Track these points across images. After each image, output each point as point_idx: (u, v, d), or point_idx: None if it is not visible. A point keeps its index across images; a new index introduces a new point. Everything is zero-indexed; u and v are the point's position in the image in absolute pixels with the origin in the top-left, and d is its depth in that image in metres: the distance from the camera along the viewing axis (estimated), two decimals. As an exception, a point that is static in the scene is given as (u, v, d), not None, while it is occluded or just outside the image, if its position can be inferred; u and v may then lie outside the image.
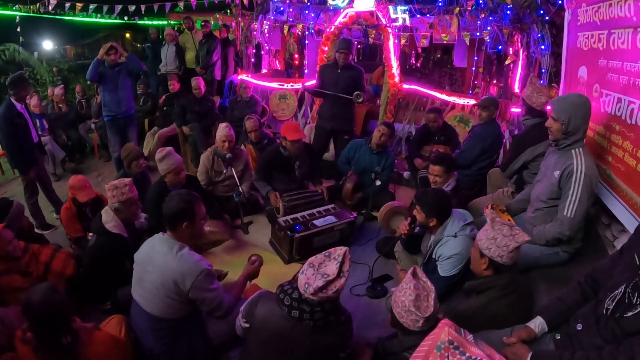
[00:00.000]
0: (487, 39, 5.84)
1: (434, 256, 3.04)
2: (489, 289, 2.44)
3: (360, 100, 5.05)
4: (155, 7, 9.94)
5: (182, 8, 9.58)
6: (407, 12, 6.13)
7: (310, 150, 4.94)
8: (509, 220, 3.33)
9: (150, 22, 12.70)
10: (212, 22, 9.03)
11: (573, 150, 2.89)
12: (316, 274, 1.91)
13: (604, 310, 1.90)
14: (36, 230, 4.59)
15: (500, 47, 6.08)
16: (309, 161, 4.78)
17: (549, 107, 3.51)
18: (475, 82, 7.78)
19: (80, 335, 2.15)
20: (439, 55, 10.50)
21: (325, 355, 2.05)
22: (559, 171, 2.91)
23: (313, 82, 5.93)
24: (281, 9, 7.28)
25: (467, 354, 1.25)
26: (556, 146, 3.02)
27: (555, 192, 2.97)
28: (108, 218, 3.18)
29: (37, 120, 6.52)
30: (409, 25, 6.20)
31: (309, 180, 4.93)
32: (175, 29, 10.65)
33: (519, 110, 5.29)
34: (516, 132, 5.61)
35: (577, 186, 2.81)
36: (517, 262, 3.00)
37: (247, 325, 2.17)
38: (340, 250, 1.99)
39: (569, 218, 2.84)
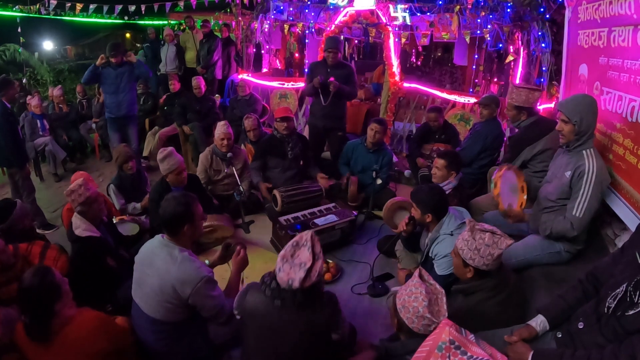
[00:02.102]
0: (487, 37, 5.83)
1: (430, 254, 3.05)
2: (477, 291, 2.43)
3: (331, 88, 4.99)
4: (156, 6, 9.94)
5: (182, 8, 9.57)
6: (408, 11, 6.13)
7: (304, 139, 5.05)
8: (522, 187, 3.31)
9: (150, 22, 12.69)
10: (212, 22, 9.02)
11: (584, 151, 2.87)
12: (293, 266, 1.95)
13: (606, 309, 1.90)
14: (38, 230, 4.61)
15: (500, 45, 6.07)
16: (301, 145, 4.87)
17: (549, 107, 3.50)
18: (476, 81, 7.77)
19: (61, 316, 2.12)
20: (439, 54, 10.49)
21: (317, 335, 2.06)
22: (570, 171, 2.89)
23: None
24: (281, 8, 7.28)
25: (469, 354, 1.24)
26: (567, 147, 2.99)
27: (566, 192, 2.95)
28: (77, 223, 3.15)
29: (38, 121, 6.55)
30: (409, 23, 6.19)
31: (307, 165, 5.02)
32: (176, 28, 10.66)
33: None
34: (511, 135, 5.60)
35: (587, 187, 2.80)
36: (516, 260, 3.03)
37: (239, 317, 2.21)
38: (305, 235, 2.02)
39: (577, 218, 2.82)
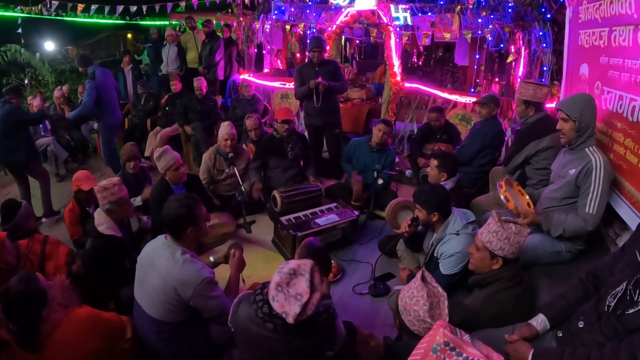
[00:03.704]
0: (488, 37, 5.83)
1: (435, 254, 3.05)
2: (496, 281, 2.46)
3: (320, 88, 5.04)
4: (157, 7, 9.94)
5: (184, 8, 9.58)
6: (409, 11, 6.13)
7: (304, 139, 5.09)
8: (519, 190, 3.31)
9: (151, 23, 12.71)
10: (214, 22, 9.04)
11: (587, 149, 2.90)
12: (288, 297, 1.77)
13: (606, 308, 1.90)
14: (44, 220, 4.93)
15: (501, 45, 6.06)
16: (301, 145, 4.92)
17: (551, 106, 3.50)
18: (477, 80, 7.76)
19: (49, 321, 2.10)
20: (440, 54, 10.49)
21: (310, 356, 1.99)
22: (575, 169, 2.91)
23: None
24: (282, 8, 7.28)
25: (464, 355, 1.24)
26: (569, 146, 3.01)
27: (572, 190, 2.97)
28: (100, 220, 3.15)
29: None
30: (410, 23, 6.20)
31: (305, 165, 5.07)
32: (177, 29, 10.67)
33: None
34: (518, 129, 5.60)
35: (597, 183, 2.81)
36: (519, 257, 3.03)
37: (233, 329, 2.13)
38: (305, 265, 1.84)
39: (591, 215, 2.83)
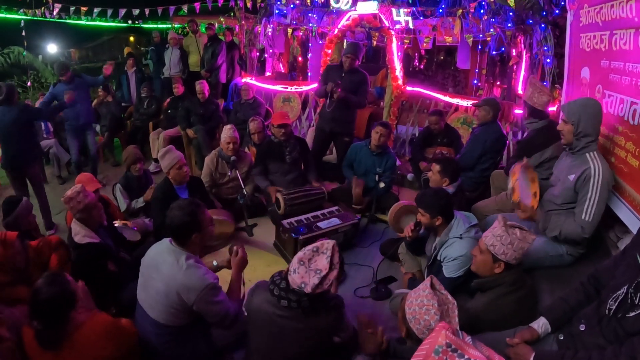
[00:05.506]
0: (489, 39, 5.83)
1: (439, 258, 3.05)
2: (498, 285, 2.47)
3: (335, 95, 5.01)
4: (159, 10, 9.98)
5: (186, 11, 9.61)
6: (410, 15, 6.14)
7: (303, 142, 5.06)
8: (535, 193, 3.29)
9: (154, 26, 12.74)
10: (216, 25, 9.06)
11: (588, 154, 2.91)
12: (309, 271, 1.97)
13: (607, 311, 1.91)
14: (49, 232, 4.75)
15: (503, 48, 6.06)
16: (300, 148, 4.89)
17: (551, 110, 3.50)
18: (479, 84, 7.77)
19: (73, 322, 2.13)
20: (442, 57, 10.51)
21: (319, 339, 2.12)
22: (574, 175, 2.92)
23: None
24: (285, 12, 7.30)
25: (466, 356, 1.24)
26: (570, 150, 3.03)
27: (571, 196, 2.98)
28: (76, 230, 3.14)
29: (42, 123, 6.59)
30: (412, 27, 6.20)
31: (306, 169, 5.05)
32: (179, 32, 10.71)
33: (521, 111, 5.26)
34: (520, 133, 5.60)
35: (595, 189, 2.82)
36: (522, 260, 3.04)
37: (246, 313, 2.27)
38: (327, 244, 2.04)
39: (587, 222, 2.84)
